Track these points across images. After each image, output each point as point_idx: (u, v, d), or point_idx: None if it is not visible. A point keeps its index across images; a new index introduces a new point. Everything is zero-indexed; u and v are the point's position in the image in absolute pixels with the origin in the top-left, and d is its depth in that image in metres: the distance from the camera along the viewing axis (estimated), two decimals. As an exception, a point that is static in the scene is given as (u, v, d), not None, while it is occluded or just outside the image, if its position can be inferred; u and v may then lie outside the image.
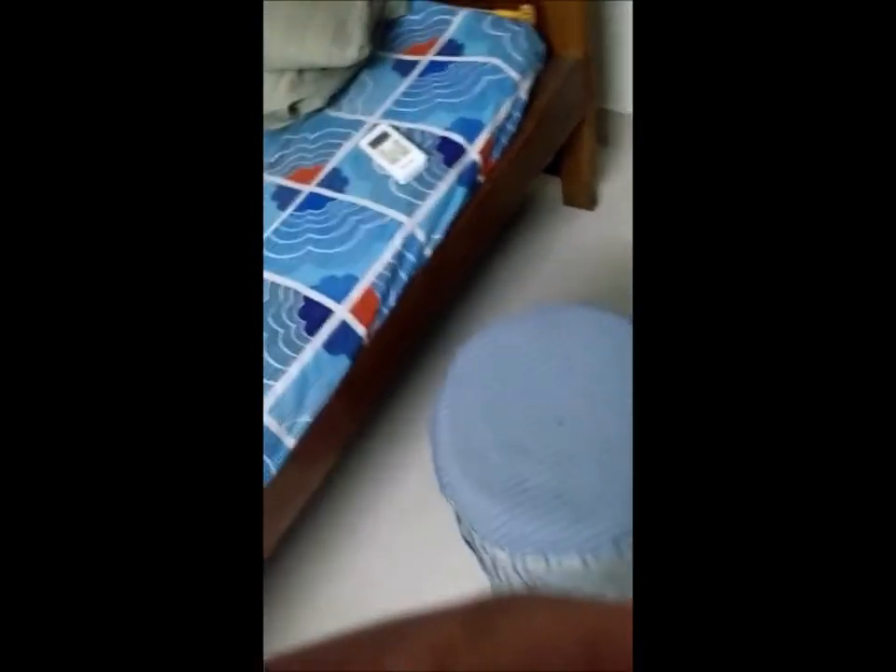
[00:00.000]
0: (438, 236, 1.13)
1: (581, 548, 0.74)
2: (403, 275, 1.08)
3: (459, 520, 0.90)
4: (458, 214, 1.15)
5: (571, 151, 1.47)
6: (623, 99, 1.59)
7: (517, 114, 1.24)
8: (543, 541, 0.75)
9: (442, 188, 1.12)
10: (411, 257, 1.09)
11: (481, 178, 1.19)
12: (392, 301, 1.08)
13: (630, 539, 0.73)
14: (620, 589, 0.80)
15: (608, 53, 1.52)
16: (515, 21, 1.29)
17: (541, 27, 1.31)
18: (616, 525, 0.73)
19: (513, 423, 0.82)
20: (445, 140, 1.15)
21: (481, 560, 0.90)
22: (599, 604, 0.23)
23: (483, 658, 0.19)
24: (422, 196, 1.11)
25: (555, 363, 0.86)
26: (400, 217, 1.08)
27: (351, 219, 1.08)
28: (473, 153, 1.16)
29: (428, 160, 1.13)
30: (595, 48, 1.37)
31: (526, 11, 1.30)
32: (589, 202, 1.58)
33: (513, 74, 1.22)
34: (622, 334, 0.87)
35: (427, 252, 1.12)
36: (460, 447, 0.83)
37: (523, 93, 1.24)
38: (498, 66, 1.22)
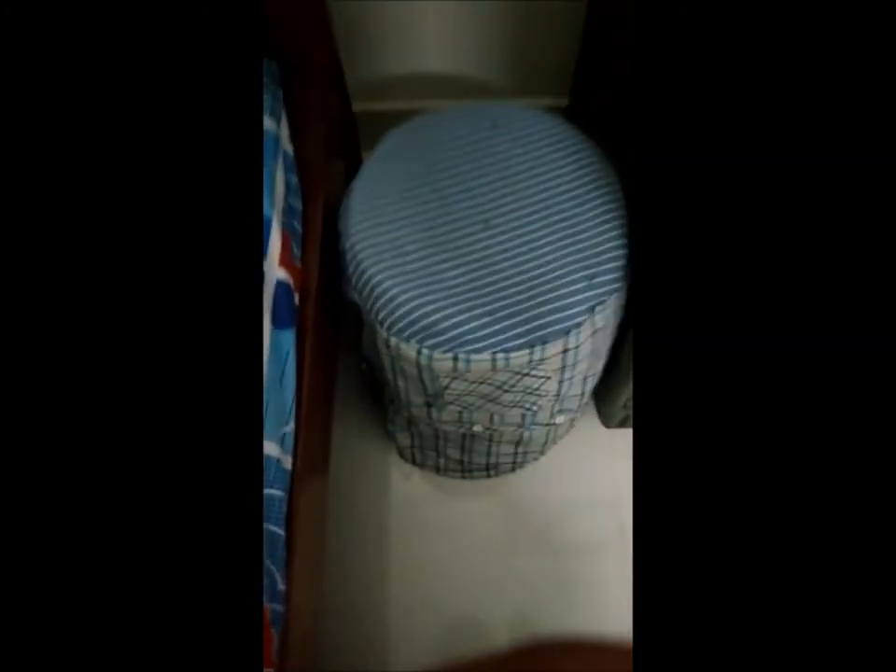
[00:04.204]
0: (290, 427, 0.65)
1: (493, 346, 0.68)
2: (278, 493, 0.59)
3: (362, 324, 0.78)
4: (299, 372, 0.68)
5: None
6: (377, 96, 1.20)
7: (294, 178, 0.78)
8: (454, 337, 0.68)
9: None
10: (277, 492, 0.60)
11: (297, 301, 0.72)
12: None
13: (544, 342, 0.68)
14: (523, 393, 0.75)
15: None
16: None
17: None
18: (530, 330, 0.68)
19: (435, 220, 0.75)
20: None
21: (378, 372, 0.82)
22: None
23: None
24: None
25: (485, 162, 0.79)
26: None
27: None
28: (275, 268, 0.69)
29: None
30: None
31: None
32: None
33: (267, 122, 0.75)
34: (557, 133, 0.81)
35: (288, 465, 0.63)
36: (372, 233, 0.74)
37: (287, 145, 0.78)
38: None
